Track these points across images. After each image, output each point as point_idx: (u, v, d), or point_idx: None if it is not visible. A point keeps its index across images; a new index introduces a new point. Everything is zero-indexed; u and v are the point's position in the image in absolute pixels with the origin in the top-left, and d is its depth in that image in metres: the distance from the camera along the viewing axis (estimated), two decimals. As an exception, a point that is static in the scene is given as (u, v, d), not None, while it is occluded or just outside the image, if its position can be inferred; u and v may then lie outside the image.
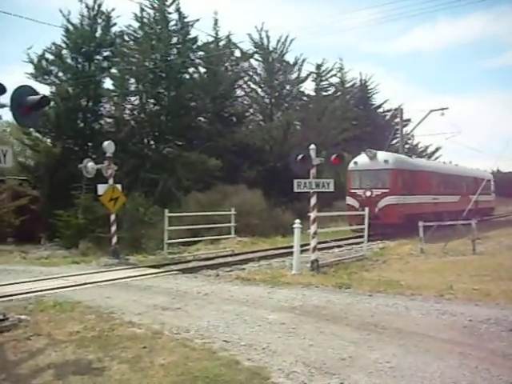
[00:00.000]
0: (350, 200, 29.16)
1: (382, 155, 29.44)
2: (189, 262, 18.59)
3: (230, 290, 12.43)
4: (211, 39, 36.54)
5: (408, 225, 26.27)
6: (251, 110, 41.34)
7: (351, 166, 29.84)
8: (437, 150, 56.92)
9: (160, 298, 11.22)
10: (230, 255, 20.07)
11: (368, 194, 28.38)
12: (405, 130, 47.88)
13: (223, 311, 10.04)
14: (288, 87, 41.65)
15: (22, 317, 9.37)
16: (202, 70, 36.17)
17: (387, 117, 53.24)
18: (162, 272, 15.70)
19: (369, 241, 20.77)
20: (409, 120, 49.91)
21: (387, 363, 6.93)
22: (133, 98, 34.96)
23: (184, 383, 6.36)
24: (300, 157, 15.47)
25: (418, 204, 29.72)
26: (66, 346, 7.81)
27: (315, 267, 15.19)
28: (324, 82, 46.23)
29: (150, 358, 7.21)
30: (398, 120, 46.33)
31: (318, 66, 44.80)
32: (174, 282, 13.76)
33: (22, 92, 9.32)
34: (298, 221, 15.39)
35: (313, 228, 15.45)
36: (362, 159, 29.84)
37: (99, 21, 33.85)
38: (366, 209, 20.39)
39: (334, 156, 15.90)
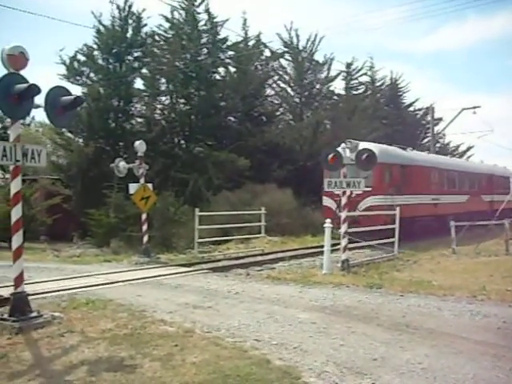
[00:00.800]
0: (326, 201, 24.38)
1: (363, 146, 24.16)
2: (219, 260, 18.66)
3: (260, 289, 12.45)
4: (240, 39, 36.60)
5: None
6: (281, 110, 41.28)
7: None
8: (468, 149, 56.13)
9: (191, 297, 11.29)
10: (260, 254, 20.11)
11: (348, 193, 24.08)
12: (436, 128, 47.53)
13: (254, 310, 10.06)
14: (318, 86, 41.48)
15: (56, 314, 9.50)
16: (232, 69, 36.25)
17: (418, 115, 52.73)
18: (192, 271, 15.79)
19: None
20: (440, 119, 49.42)
21: (419, 364, 6.88)
22: (163, 98, 35.18)
23: (215, 381, 6.39)
24: (331, 156, 15.45)
25: (412, 205, 25.21)
26: (99, 343, 7.90)
27: (346, 267, 15.16)
28: (354, 81, 45.96)
29: (182, 356, 7.25)
30: (429, 119, 45.98)
31: (348, 65, 44.57)
32: (205, 280, 13.83)
33: (56, 93, 9.47)
34: (328, 220, 15.34)
35: (343, 227, 15.41)
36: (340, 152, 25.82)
37: (130, 22, 34.13)
38: (398, 209, 20.19)
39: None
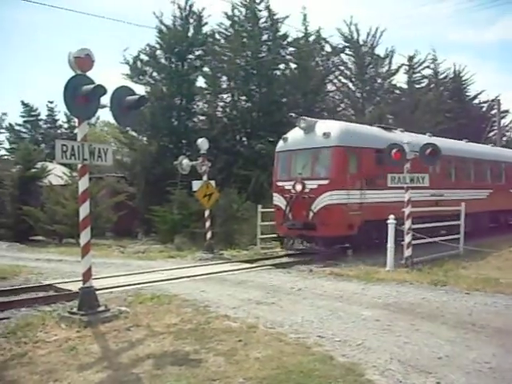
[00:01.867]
0: (276, 198, 19.13)
1: (321, 125, 18.84)
2: (281, 257, 18.69)
3: (323, 285, 12.44)
4: (301, 35, 36.45)
5: (370, 238, 18.68)
6: (342, 105, 40.89)
7: (279, 144, 20.29)
8: (538, 142, 54.24)
9: (254, 293, 11.37)
10: (322, 250, 19.97)
11: (298, 188, 18.05)
12: (502, 121, 46.16)
13: (317, 307, 10.07)
14: (379, 80, 40.92)
15: (122, 308, 9.76)
16: (293, 65, 36.11)
17: (483, 108, 51.30)
18: (255, 267, 15.90)
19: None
20: (507, 111, 47.97)
21: (486, 363, 6.74)
22: (225, 96, 35.38)
23: (278, 377, 6.43)
24: (394, 151, 15.27)
25: (396, 204, 17.01)
26: (164, 338, 8.07)
27: (410, 264, 14.94)
28: (416, 74, 45.08)
29: (246, 351, 7.34)
30: (495, 111, 44.66)
31: (410, 58, 43.73)
32: (268, 276, 13.90)
33: (121, 93, 9.69)
34: (392, 216, 15.12)
35: (407, 224, 15.19)
36: (294, 134, 19.72)
37: (191, 21, 34.46)
38: (463, 204, 19.37)
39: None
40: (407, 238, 15.15)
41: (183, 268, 15.52)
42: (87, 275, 9.34)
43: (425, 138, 21.69)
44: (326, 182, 17.74)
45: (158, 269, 15.44)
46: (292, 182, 18.30)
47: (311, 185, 17.91)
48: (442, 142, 21.30)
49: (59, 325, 8.72)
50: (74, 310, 9.25)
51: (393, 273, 14.14)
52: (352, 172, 18.20)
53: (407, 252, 15.11)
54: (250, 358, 7.07)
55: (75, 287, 10.80)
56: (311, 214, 17.69)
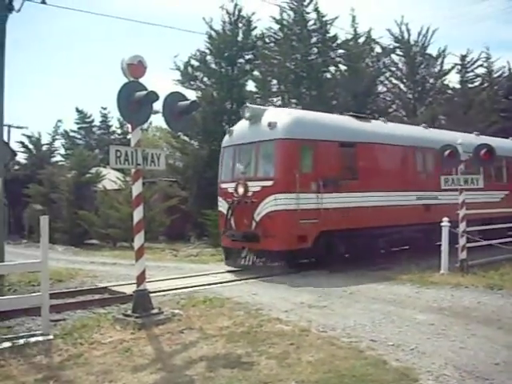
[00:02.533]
0: (220, 203, 16.84)
1: (269, 114, 15.84)
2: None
3: (376, 288, 12.32)
4: (350, 36, 36.21)
5: (333, 252, 15.68)
6: (394, 106, 40.42)
7: (225, 138, 17.52)
8: None
9: (306, 296, 11.35)
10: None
11: (241, 190, 15.35)
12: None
13: (369, 310, 9.98)
14: (431, 81, 40.22)
15: (176, 311, 9.88)
16: (343, 67, 35.93)
17: (542, 107, 49.87)
18: (305, 270, 15.80)
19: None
20: None
21: (545, 370, 6.56)
22: (275, 99, 35.39)
23: (331, 381, 6.40)
24: (447, 152, 15.02)
25: (368, 210, 16.20)
26: (217, 340, 8.13)
27: (464, 267, 14.64)
28: (469, 74, 44.19)
29: (298, 354, 7.33)
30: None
31: (463, 57, 42.88)
32: (318, 280, 13.82)
33: (173, 98, 9.84)
34: (446, 219, 14.85)
35: (461, 226, 14.91)
36: (239, 125, 16.80)
37: (240, 25, 34.69)
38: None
39: (483, 151, 15.17)
40: (462, 241, 14.86)
41: (235, 271, 15.57)
42: (141, 278, 9.50)
43: (418, 130, 20.49)
44: (269, 183, 14.82)
45: (210, 272, 15.57)
46: (235, 183, 15.59)
47: (254, 187, 15.08)
48: (435, 134, 20.93)
49: (114, 327, 8.88)
50: (129, 312, 9.41)
51: (447, 276, 13.88)
52: (305, 171, 15.12)
53: (462, 255, 14.82)
54: (303, 361, 7.05)
55: (129, 290, 10.99)
56: (254, 223, 14.89)
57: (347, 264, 15.68)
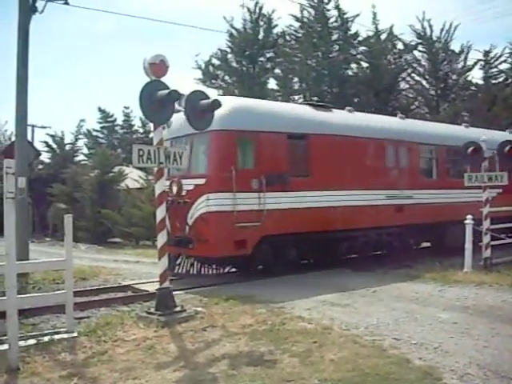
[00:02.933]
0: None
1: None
2: (356, 258, 18.45)
3: (398, 287, 12.24)
4: (371, 33, 36.05)
5: (280, 259, 13.89)
6: (416, 103, 40.18)
7: (165, 131, 13.26)
8: None
9: (328, 294, 11.31)
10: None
11: (174, 189, 13.56)
12: None
13: (392, 309, 9.93)
14: (454, 77, 39.89)
15: (198, 309, 9.92)
16: (365, 64, 35.81)
17: None
18: (329, 269, 15.75)
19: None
20: None
21: None
22: (296, 97, 35.43)
23: (354, 379, 6.38)
24: (471, 149, 14.88)
25: (318, 211, 14.31)
26: (240, 338, 8.15)
27: (488, 265, 14.50)
28: (493, 69, 43.72)
29: (320, 352, 7.32)
30: None
31: (486, 53, 42.44)
32: (342, 278, 13.78)
33: (195, 97, 9.89)
34: (469, 216, 14.70)
35: (485, 224, 14.76)
36: (178, 116, 12.52)
37: (261, 23, 34.80)
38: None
39: (508, 147, 14.98)
40: (486, 239, 14.72)
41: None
42: (164, 276, 9.55)
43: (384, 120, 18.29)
44: (202, 181, 13.08)
45: (232, 270, 15.57)
46: (170, 182, 13.53)
47: (188, 185, 13.35)
48: (407, 125, 18.54)
49: (137, 324, 8.94)
50: (152, 310, 9.46)
51: (471, 274, 13.75)
52: (244, 167, 13.47)
53: (486, 253, 14.68)
54: (325, 359, 7.04)
55: (152, 288, 11.06)
56: (187, 227, 13.20)
57: (368, 263, 15.63)
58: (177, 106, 9.84)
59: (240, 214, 12.82)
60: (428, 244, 19.53)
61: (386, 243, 16.80)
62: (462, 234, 15.23)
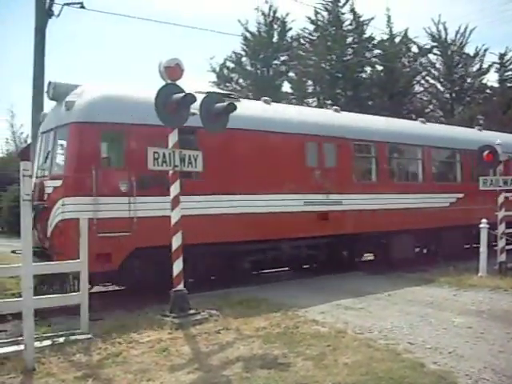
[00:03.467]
0: None
1: (75, 92, 11.58)
2: (371, 261, 18.39)
3: (413, 291, 12.22)
4: (386, 37, 35.97)
5: (158, 275, 11.07)
6: (431, 106, 40.04)
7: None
8: None
9: (342, 298, 11.30)
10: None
11: (36, 192, 11.25)
12: None
13: (406, 313, 9.91)
14: (469, 80, 39.75)
15: (212, 311, 9.94)
16: (379, 68, 35.73)
17: None
18: (344, 271, 15.72)
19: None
20: None
21: None
22: (310, 100, 35.48)
23: (368, 383, 6.37)
24: (486, 153, 14.80)
25: (211, 218, 12.14)
26: (253, 341, 8.15)
27: (503, 269, 14.41)
28: (508, 72, 43.47)
29: (334, 356, 7.31)
30: None
31: (501, 56, 42.23)
32: (356, 282, 13.75)
33: (210, 100, 9.92)
34: (484, 220, 14.61)
35: (501, 228, 14.67)
36: (49, 109, 13.04)
37: (275, 27, 34.87)
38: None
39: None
40: (501, 243, 14.64)
41: (273, 272, 15.54)
42: (178, 279, 9.58)
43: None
44: (59, 183, 11.12)
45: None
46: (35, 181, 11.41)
47: (49, 188, 11.40)
48: (332, 117, 16.03)
49: (152, 326, 8.97)
50: (166, 312, 9.50)
51: (486, 279, 13.67)
52: (110, 166, 11.83)
53: (501, 257, 14.59)
54: (339, 363, 7.03)
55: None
56: (47, 236, 11.19)
57: (382, 266, 15.59)
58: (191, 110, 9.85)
59: (102, 222, 10.72)
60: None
61: (307, 257, 14.77)
62: (410, 244, 15.32)
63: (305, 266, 15.57)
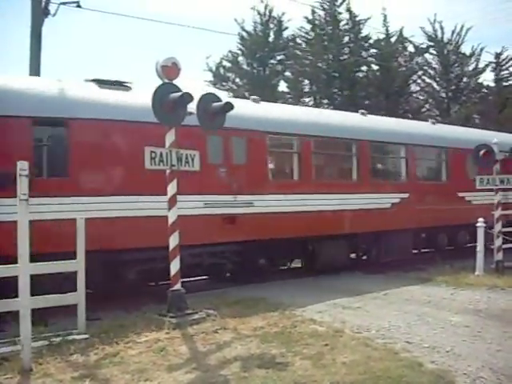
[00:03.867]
0: None
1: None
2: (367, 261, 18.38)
3: (410, 290, 12.24)
4: (382, 36, 35.96)
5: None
6: (427, 106, 40.03)
7: None
8: None
9: (340, 297, 11.30)
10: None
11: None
12: None
13: (404, 312, 9.92)
14: (465, 79, 39.73)
15: (210, 311, 9.91)
16: (375, 67, 35.71)
17: None
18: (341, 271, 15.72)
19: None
20: None
21: None
22: (307, 99, 35.41)
23: (366, 382, 6.38)
24: (482, 152, 14.82)
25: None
26: (251, 341, 8.14)
27: (500, 268, 14.44)
28: (504, 72, 43.51)
29: (332, 355, 7.31)
30: None
31: (497, 55, 42.26)
32: (353, 281, 13.77)
33: (207, 99, 9.92)
34: (481, 219, 14.61)
35: (497, 227, 14.70)
36: None
37: (271, 26, 34.82)
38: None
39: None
40: (497, 242, 14.66)
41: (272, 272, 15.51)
42: (176, 278, 9.56)
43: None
44: None
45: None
46: None
47: None
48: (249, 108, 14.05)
49: (149, 326, 8.95)
50: (164, 312, 9.48)
51: (483, 277, 13.69)
52: None
53: (498, 256, 14.62)
54: (337, 362, 7.03)
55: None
56: None
57: (379, 266, 15.60)
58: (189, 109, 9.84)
59: None
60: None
61: (211, 266, 12.85)
62: (343, 250, 14.62)
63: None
